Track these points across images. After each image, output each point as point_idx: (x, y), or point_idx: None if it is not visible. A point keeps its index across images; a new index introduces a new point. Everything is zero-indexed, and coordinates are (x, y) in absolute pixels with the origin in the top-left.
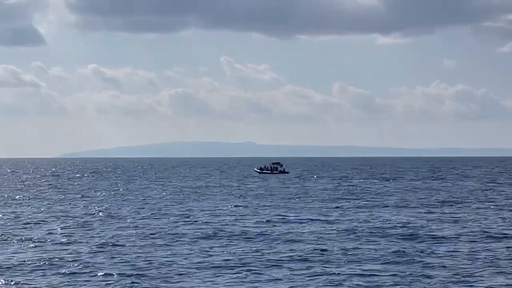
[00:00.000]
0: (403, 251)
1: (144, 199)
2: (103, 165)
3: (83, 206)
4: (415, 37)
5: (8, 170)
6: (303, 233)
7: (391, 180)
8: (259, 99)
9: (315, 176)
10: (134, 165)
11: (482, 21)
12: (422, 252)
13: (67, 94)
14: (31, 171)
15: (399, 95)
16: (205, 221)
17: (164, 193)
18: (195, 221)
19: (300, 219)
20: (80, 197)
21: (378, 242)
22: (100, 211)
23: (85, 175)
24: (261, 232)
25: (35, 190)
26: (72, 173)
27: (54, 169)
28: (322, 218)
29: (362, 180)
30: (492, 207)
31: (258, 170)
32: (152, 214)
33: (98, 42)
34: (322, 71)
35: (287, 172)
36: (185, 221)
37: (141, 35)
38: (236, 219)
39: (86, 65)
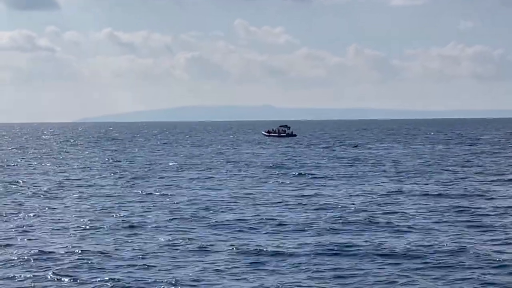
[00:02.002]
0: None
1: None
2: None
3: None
4: None
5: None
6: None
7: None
8: (274, 62)
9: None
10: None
11: None
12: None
13: (82, 59)
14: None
15: (414, 56)
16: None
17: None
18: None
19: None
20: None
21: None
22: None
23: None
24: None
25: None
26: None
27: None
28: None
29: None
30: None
31: (266, 133)
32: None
33: (113, 5)
34: (337, 33)
35: (295, 135)
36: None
37: None
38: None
39: (101, 29)
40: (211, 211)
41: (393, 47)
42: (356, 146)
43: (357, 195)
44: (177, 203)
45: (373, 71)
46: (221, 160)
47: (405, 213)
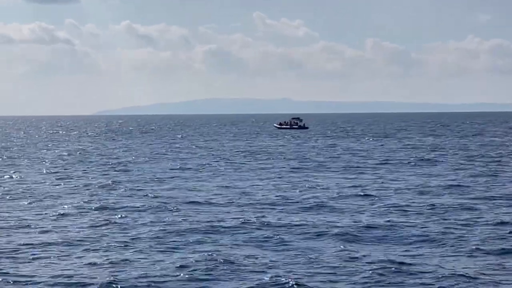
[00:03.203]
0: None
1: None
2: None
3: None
4: None
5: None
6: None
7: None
8: (293, 55)
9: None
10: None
11: None
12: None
13: (100, 51)
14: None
15: (432, 50)
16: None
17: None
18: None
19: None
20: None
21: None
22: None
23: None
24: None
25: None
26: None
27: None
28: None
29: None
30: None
31: (278, 126)
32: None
33: None
34: (356, 26)
35: (307, 128)
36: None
37: None
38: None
39: (120, 22)
40: (194, 202)
41: (411, 40)
42: (363, 138)
43: (345, 186)
44: (160, 195)
45: (391, 65)
46: (216, 152)
47: (390, 206)
